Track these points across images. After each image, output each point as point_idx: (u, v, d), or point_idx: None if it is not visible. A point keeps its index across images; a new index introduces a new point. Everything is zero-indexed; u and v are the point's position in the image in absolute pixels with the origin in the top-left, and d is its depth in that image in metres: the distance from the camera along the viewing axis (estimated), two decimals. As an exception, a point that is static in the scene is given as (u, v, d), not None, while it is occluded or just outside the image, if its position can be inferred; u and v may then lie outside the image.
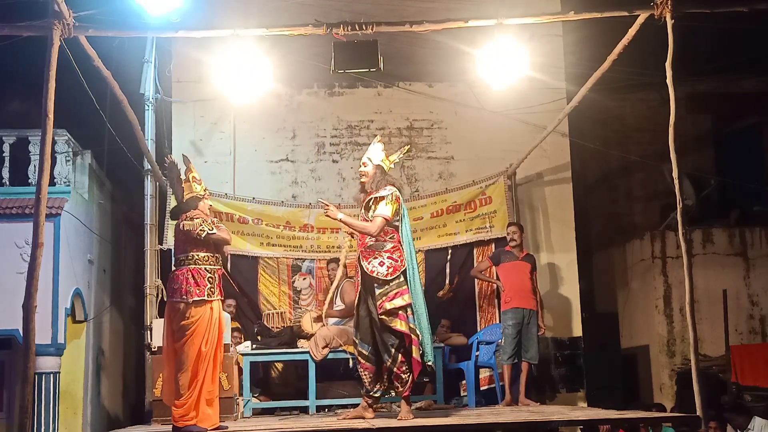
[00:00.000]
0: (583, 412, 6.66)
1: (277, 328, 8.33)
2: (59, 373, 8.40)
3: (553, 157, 9.32)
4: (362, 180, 5.85)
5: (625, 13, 5.72)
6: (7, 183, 8.62)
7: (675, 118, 5.56)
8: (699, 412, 5.21)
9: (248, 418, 7.06)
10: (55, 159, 8.59)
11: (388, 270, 5.57)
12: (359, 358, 5.80)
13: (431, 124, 9.40)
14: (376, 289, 5.58)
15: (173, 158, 5.68)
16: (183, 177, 5.59)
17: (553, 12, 7.52)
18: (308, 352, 7.43)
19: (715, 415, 7.65)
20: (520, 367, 7.50)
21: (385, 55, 6.49)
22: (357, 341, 5.84)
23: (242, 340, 7.92)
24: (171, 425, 5.30)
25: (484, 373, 8.10)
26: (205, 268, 5.31)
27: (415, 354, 5.56)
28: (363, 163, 5.86)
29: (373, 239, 5.66)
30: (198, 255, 5.32)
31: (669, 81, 5.55)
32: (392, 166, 5.96)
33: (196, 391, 5.17)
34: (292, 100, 9.29)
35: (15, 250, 8.13)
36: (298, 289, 8.21)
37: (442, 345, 7.85)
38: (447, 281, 8.74)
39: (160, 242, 8.54)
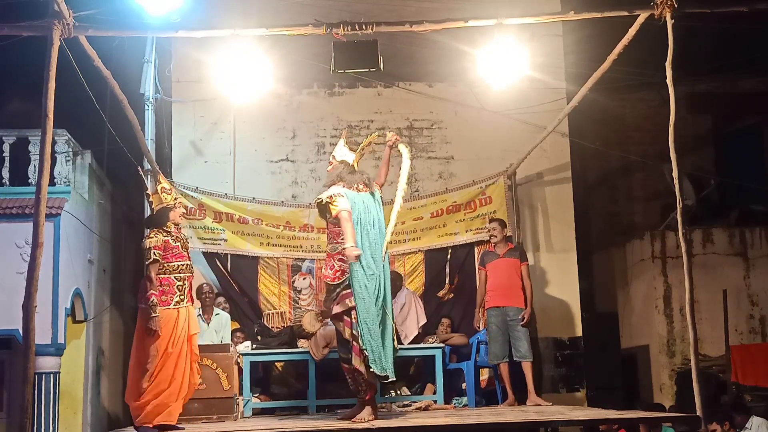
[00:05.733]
0: (583, 412, 6.66)
1: (277, 328, 8.33)
2: (59, 373, 8.41)
3: (553, 157, 9.32)
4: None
5: (625, 13, 5.71)
6: (7, 183, 8.63)
7: (675, 118, 5.56)
8: (699, 412, 5.21)
9: (248, 418, 7.06)
10: (55, 159, 8.60)
11: (334, 274, 5.58)
12: (342, 363, 5.76)
13: (431, 124, 9.40)
14: (328, 294, 5.65)
15: (140, 170, 5.86)
16: (150, 190, 5.80)
17: (553, 12, 7.50)
18: (308, 352, 7.43)
19: (720, 414, 7.61)
20: (520, 366, 7.49)
21: (385, 55, 6.49)
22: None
23: (242, 340, 7.92)
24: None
25: (484, 373, 8.10)
26: (175, 277, 5.51)
27: (355, 362, 5.49)
28: (329, 162, 5.97)
29: (331, 243, 5.66)
30: (169, 265, 5.52)
31: (669, 81, 5.55)
32: (356, 158, 5.94)
33: (154, 390, 5.35)
34: (292, 100, 9.29)
35: (15, 250, 8.14)
36: (298, 289, 8.20)
37: (443, 345, 7.86)
38: (447, 281, 8.74)
39: (160, 242, 8.52)
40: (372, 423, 5.35)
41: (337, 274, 5.56)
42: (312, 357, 7.38)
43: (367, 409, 5.61)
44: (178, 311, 5.49)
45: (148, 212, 8.58)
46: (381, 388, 7.38)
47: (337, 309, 5.53)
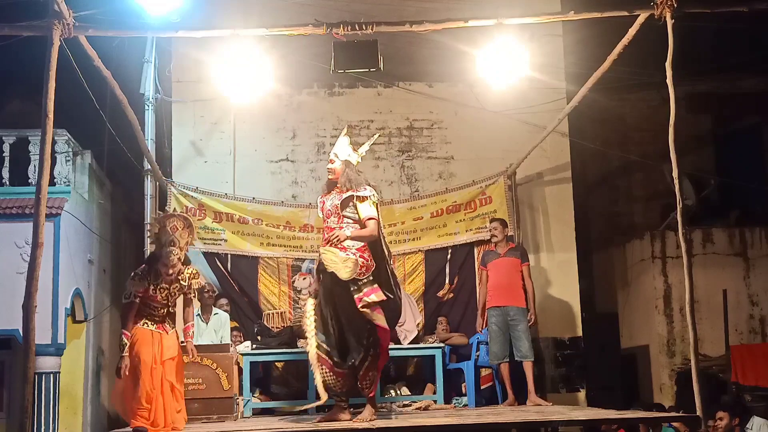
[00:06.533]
0: (583, 412, 6.66)
1: (277, 328, 8.33)
2: (59, 373, 8.41)
3: (553, 157, 9.32)
4: (330, 177, 5.78)
5: (625, 13, 5.71)
6: (7, 183, 8.64)
7: (675, 118, 5.55)
8: (699, 412, 5.21)
9: (248, 418, 7.06)
10: (55, 159, 8.60)
11: (360, 269, 5.47)
12: (328, 361, 5.62)
13: (431, 124, 9.40)
14: (350, 285, 5.45)
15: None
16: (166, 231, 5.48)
17: (553, 12, 7.50)
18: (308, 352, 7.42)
19: (732, 410, 7.56)
20: (521, 366, 7.49)
21: (385, 55, 6.49)
22: (324, 344, 5.62)
23: (242, 340, 7.93)
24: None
25: (484, 373, 8.09)
26: (145, 305, 5.38)
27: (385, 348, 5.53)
28: (330, 160, 5.80)
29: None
30: (141, 302, 5.39)
31: (669, 81, 5.54)
32: (360, 160, 5.85)
33: (147, 403, 5.24)
34: (292, 100, 9.29)
35: (15, 250, 8.15)
36: (298, 289, 8.20)
37: (443, 345, 7.85)
38: (447, 281, 8.75)
39: (160, 242, 8.52)
40: (372, 423, 5.33)
41: (362, 270, 5.49)
42: (312, 357, 7.36)
43: (369, 408, 5.57)
44: (152, 333, 5.38)
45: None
46: (381, 388, 7.40)
47: (367, 299, 5.44)
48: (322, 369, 5.62)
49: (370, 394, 5.60)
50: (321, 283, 5.66)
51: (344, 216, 5.62)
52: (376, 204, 5.65)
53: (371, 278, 5.55)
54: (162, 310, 5.49)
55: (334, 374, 5.61)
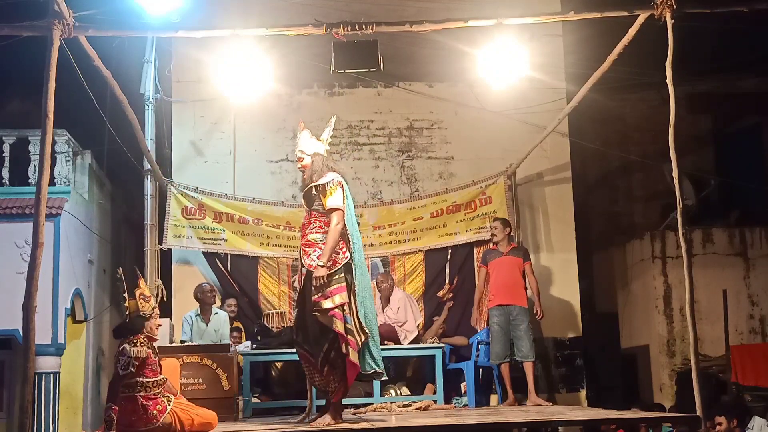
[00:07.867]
0: (583, 412, 6.66)
1: (277, 328, 8.34)
2: (59, 373, 8.42)
3: (553, 157, 9.32)
4: (304, 176, 5.53)
5: (625, 13, 5.72)
6: (7, 183, 8.64)
7: (675, 118, 5.56)
8: (699, 412, 5.21)
9: (248, 418, 7.06)
10: (55, 159, 8.61)
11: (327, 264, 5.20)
12: (311, 359, 5.39)
13: (431, 124, 9.40)
14: (312, 283, 5.20)
15: (120, 273, 5.26)
16: (128, 294, 5.16)
17: (553, 12, 7.50)
18: (308, 352, 7.42)
19: (730, 412, 7.54)
20: (521, 366, 7.49)
21: (385, 55, 6.49)
22: (306, 347, 5.39)
23: (242, 340, 7.93)
24: None
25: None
26: (141, 396, 4.93)
27: (352, 356, 5.15)
28: (298, 158, 5.56)
29: (315, 231, 5.31)
30: (139, 381, 4.95)
31: (669, 81, 5.55)
32: (328, 147, 5.63)
33: None
34: (292, 100, 9.29)
35: (15, 250, 8.15)
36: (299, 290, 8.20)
37: (443, 345, 7.86)
38: (447, 281, 8.76)
39: (160, 242, 8.55)
40: (372, 423, 5.30)
41: (329, 264, 5.20)
42: (312, 357, 7.36)
43: (330, 413, 5.28)
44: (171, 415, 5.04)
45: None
46: (381, 388, 7.40)
47: (328, 304, 5.15)
48: (308, 368, 5.44)
49: (333, 400, 5.33)
50: (303, 280, 5.41)
51: (313, 210, 5.40)
52: (340, 186, 5.35)
53: (341, 274, 5.25)
54: (157, 382, 5.04)
55: (317, 372, 5.38)
